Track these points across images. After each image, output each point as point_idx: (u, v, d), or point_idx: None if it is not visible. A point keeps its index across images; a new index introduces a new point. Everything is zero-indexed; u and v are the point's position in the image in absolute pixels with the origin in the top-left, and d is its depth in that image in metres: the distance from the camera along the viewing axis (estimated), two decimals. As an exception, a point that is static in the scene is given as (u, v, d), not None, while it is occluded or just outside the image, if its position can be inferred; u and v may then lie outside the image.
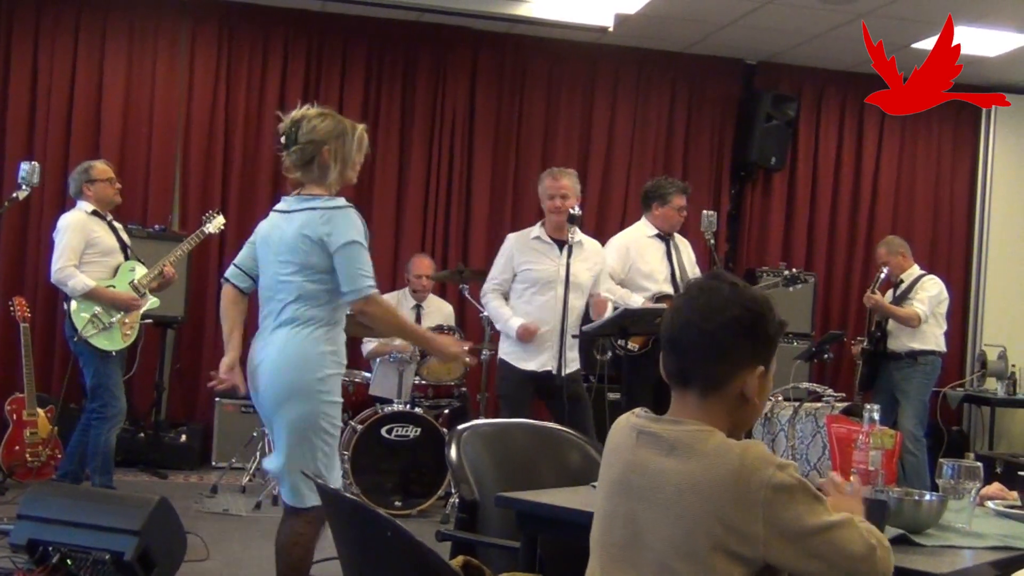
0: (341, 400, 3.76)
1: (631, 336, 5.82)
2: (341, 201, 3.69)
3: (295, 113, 3.77)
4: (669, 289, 6.03)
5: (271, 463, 3.80)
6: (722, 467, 1.96)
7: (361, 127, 3.83)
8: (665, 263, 6.13)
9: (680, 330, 2.10)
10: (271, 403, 3.69)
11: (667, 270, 6.12)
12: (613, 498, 2.13)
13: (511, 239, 5.88)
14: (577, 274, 5.60)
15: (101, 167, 6.06)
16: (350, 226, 3.64)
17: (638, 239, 6.20)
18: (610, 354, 5.99)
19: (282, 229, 3.72)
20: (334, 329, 3.72)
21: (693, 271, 6.19)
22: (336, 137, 3.73)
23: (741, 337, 2.07)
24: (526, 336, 5.58)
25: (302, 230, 3.64)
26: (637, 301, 5.87)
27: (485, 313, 6.51)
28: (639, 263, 6.11)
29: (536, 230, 5.79)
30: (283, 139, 3.76)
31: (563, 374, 5.47)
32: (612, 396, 7.07)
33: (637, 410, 2.18)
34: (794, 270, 6.80)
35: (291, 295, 3.66)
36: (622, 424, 2.19)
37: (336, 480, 3.78)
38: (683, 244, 6.36)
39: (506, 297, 5.78)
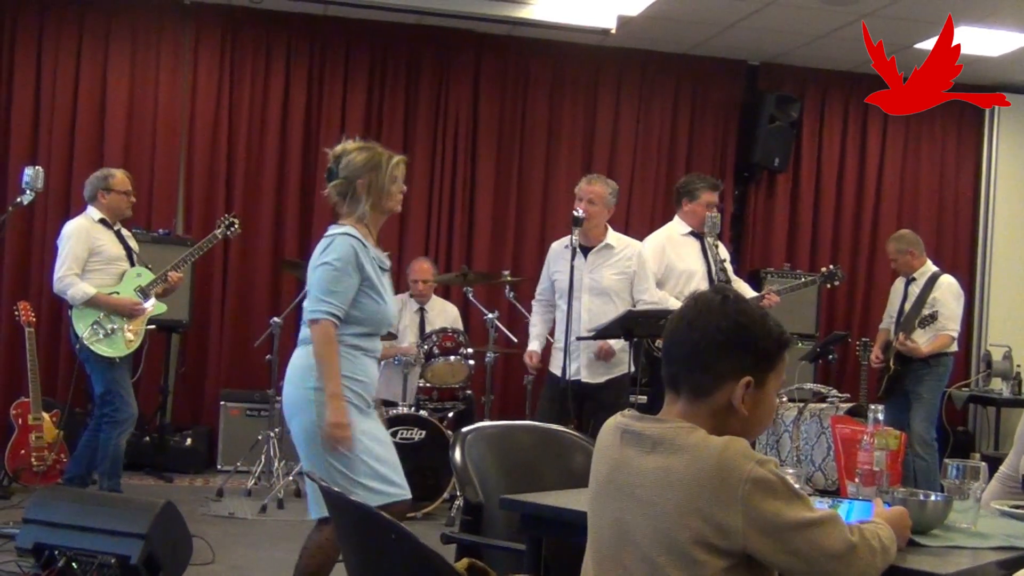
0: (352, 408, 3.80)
1: (648, 337, 5.78)
2: (343, 228, 3.82)
3: (338, 148, 3.90)
4: (706, 287, 5.88)
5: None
6: (703, 461, 1.99)
7: (398, 158, 3.92)
8: (701, 260, 5.98)
9: (671, 337, 2.17)
10: (287, 419, 3.90)
11: (704, 268, 5.96)
12: (601, 498, 2.18)
13: (552, 247, 5.97)
14: (600, 280, 5.61)
15: (121, 178, 6.06)
16: (333, 249, 3.77)
17: (672, 237, 6.08)
18: (643, 356, 5.96)
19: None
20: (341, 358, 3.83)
21: (727, 269, 5.94)
22: (369, 170, 3.84)
23: (724, 347, 2.10)
24: (528, 364, 5.97)
25: (313, 259, 3.84)
26: (675, 304, 5.74)
27: (489, 316, 6.53)
28: (675, 261, 5.99)
29: (568, 238, 5.80)
30: (326, 173, 3.90)
31: (568, 379, 5.48)
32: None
33: (624, 411, 2.23)
34: (831, 266, 6.77)
35: (304, 317, 3.86)
36: (609, 426, 2.24)
37: (360, 485, 3.72)
38: (715, 243, 6.24)
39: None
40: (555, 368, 5.73)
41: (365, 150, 3.87)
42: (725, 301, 2.13)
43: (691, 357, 2.12)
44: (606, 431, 2.23)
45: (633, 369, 5.70)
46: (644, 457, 2.08)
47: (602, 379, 5.66)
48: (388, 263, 3.99)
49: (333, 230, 3.84)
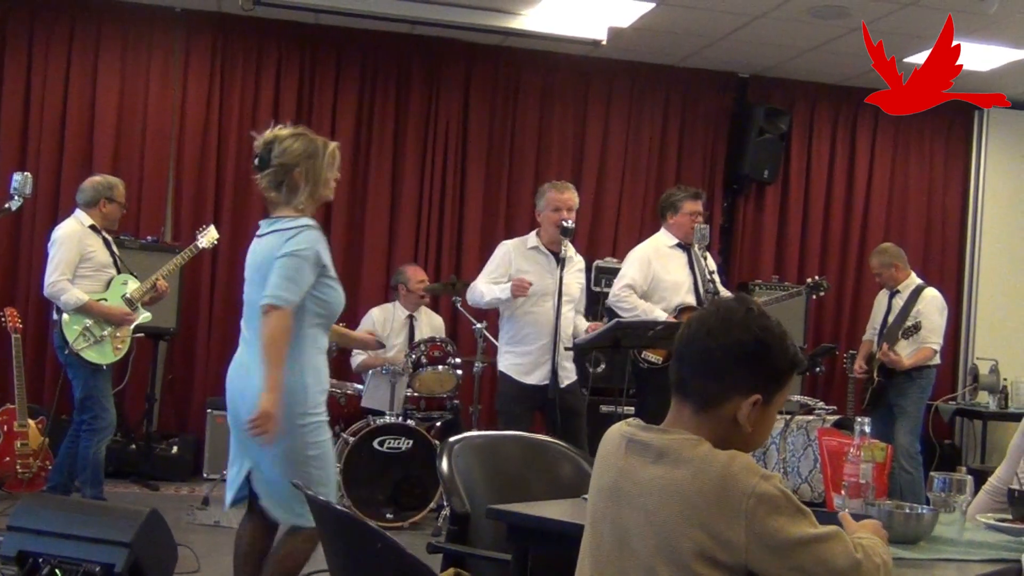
0: (325, 418, 3.75)
1: (637, 348, 5.79)
2: (305, 220, 3.71)
3: (268, 134, 3.75)
4: (692, 300, 5.89)
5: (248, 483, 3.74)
6: (707, 474, 1.98)
7: (333, 145, 3.82)
8: (688, 273, 5.99)
9: (687, 343, 2.14)
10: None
11: (690, 280, 5.97)
12: (602, 505, 2.16)
13: (508, 245, 5.90)
14: (569, 286, 5.64)
15: (122, 190, 6.08)
16: (299, 241, 3.64)
17: (659, 249, 6.08)
18: (630, 366, 5.96)
19: (256, 252, 3.75)
20: (307, 350, 3.69)
21: (715, 282, 5.90)
22: (307, 158, 3.72)
23: (741, 361, 2.09)
24: (518, 291, 5.57)
25: (269, 252, 3.66)
26: (661, 315, 5.76)
27: (478, 326, 6.53)
28: (662, 273, 5.98)
29: (532, 240, 5.80)
30: (256, 161, 3.74)
31: (558, 386, 5.47)
32: (605, 408, 7.07)
33: (629, 420, 2.21)
34: (816, 277, 6.79)
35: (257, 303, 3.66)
36: (613, 433, 2.22)
37: (330, 495, 3.76)
38: (703, 254, 6.24)
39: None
40: (517, 375, 5.67)
41: (300, 137, 3.74)
42: (748, 314, 2.11)
43: (704, 364, 2.10)
44: (609, 439, 2.21)
45: (599, 370, 5.70)
46: (649, 467, 2.07)
47: (567, 382, 5.66)
48: None
49: (293, 223, 3.67)
